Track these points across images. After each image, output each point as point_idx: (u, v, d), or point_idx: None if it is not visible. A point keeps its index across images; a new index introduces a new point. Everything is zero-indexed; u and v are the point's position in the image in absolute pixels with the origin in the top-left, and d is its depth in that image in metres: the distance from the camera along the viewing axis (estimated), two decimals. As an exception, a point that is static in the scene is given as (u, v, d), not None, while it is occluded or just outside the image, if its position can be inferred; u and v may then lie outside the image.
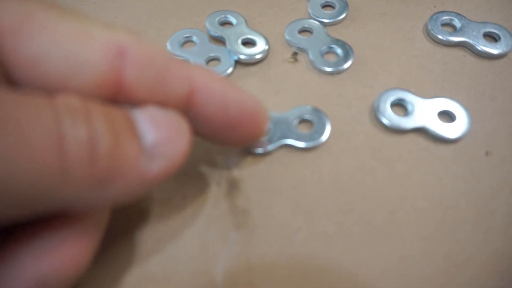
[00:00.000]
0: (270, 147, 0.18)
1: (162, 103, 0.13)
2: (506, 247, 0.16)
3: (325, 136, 0.18)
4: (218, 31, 0.22)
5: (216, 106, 0.14)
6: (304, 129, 0.18)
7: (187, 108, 0.14)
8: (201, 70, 0.14)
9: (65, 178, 0.10)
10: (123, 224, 0.16)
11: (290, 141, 0.18)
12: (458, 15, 0.22)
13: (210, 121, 0.14)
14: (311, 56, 0.20)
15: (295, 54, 0.21)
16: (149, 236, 0.16)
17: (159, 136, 0.12)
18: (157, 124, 0.12)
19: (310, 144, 0.18)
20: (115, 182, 0.11)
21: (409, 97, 0.19)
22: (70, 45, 0.12)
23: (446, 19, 0.21)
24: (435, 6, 0.23)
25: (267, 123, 0.16)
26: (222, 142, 0.16)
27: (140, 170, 0.12)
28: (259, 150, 0.17)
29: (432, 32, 0.21)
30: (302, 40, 0.21)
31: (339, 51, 0.21)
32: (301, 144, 0.18)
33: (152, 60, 0.13)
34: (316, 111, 0.19)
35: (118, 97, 0.12)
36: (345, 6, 0.22)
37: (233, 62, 0.21)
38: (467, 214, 0.16)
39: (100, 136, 0.11)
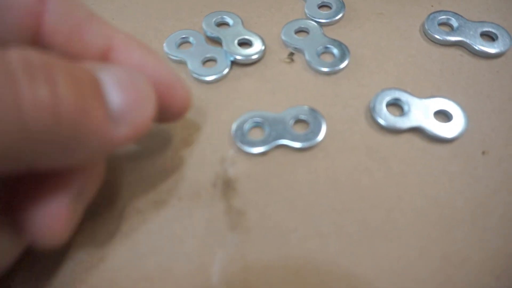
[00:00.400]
0: (266, 148, 0.18)
1: (79, 55, 0.13)
2: (503, 246, 0.15)
3: (320, 136, 0.18)
4: (214, 32, 0.22)
5: (132, 65, 0.14)
6: (300, 129, 0.18)
7: (103, 57, 0.14)
8: (123, 33, 0.14)
9: (26, 140, 0.10)
10: (120, 225, 0.16)
11: (286, 142, 0.18)
12: (455, 14, 0.22)
13: None
14: (307, 56, 0.20)
15: (291, 54, 0.21)
16: (145, 237, 0.16)
17: (126, 101, 0.12)
18: (123, 88, 0.12)
19: (306, 144, 0.18)
20: (79, 146, 0.11)
21: (405, 97, 0.19)
22: None
23: (443, 18, 0.21)
24: (432, 6, 0.23)
25: (186, 105, 0.15)
26: None
27: (105, 135, 0.11)
28: None
29: (429, 31, 0.21)
30: (299, 40, 0.21)
31: (335, 51, 0.21)
32: (297, 145, 0.18)
33: (73, 11, 0.13)
34: (312, 111, 0.19)
35: (36, 43, 0.13)
36: (341, 6, 0.22)
37: (229, 63, 0.21)
38: (464, 214, 0.16)
39: (63, 97, 0.10)
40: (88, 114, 0.11)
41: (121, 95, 0.12)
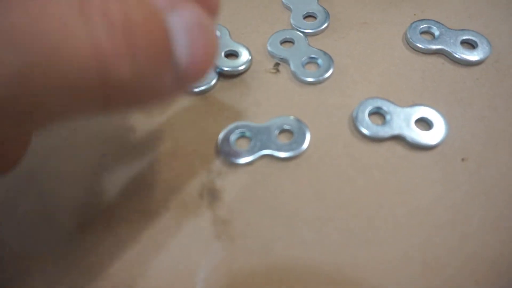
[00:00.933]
0: (251, 158, 0.18)
1: None
2: (481, 251, 0.16)
3: (305, 146, 0.18)
4: (202, 44, 0.22)
5: None
6: (284, 139, 0.19)
7: None
8: None
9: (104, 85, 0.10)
10: (106, 234, 0.17)
11: (271, 152, 0.18)
12: (436, 23, 0.22)
13: None
14: (292, 67, 0.21)
15: (277, 65, 0.22)
16: (132, 246, 0.16)
17: (193, 57, 0.11)
18: (193, 42, 0.11)
19: (290, 154, 0.18)
20: (135, 96, 0.11)
21: (387, 106, 0.19)
22: None
23: (424, 27, 0.22)
24: (415, 14, 0.23)
25: (217, 8, 0.14)
26: None
27: (166, 89, 0.12)
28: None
29: (411, 40, 0.22)
30: (284, 51, 0.22)
31: (320, 61, 0.21)
32: (281, 154, 0.18)
33: None
34: (296, 121, 0.19)
35: None
36: (326, 17, 0.23)
37: (216, 74, 0.21)
38: (443, 220, 0.17)
39: (140, 56, 0.10)
40: (156, 74, 0.11)
41: (189, 52, 0.11)
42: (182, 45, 0.11)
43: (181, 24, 0.11)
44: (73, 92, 0.10)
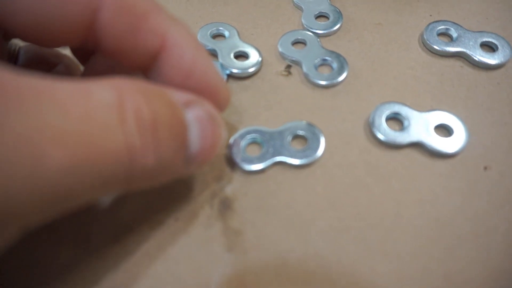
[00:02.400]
0: (263, 165, 0.17)
1: (129, 54, 0.13)
2: (506, 265, 0.15)
3: (319, 153, 0.17)
4: (210, 44, 0.21)
5: (180, 70, 0.14)
6: (298, 145, 0.18)
7: (151, 61, 0.14)
8: (179, 27, 0.14)
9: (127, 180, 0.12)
10: (113, 246, 0.16)
11: (284, 158, 0.17)
12: (454, 24, 0.21)
13: (170, 79, 0.14)
14: (305, 69, 0.20)
15: (288, 67, 0.21)
16: (141, 258, 0.16)
17: (203, 148, 0.13)
18: (204, 135, 0.13)
19: (304, 161, 0.17)
20: (151, 181, 0.13)
21: (404, 111, 0.18)
22: None
23: (442, 28, 0.21)
24: (431, 15, 0.22)
25: (226, 105, 0.15)
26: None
27: (176, 173, 0.13)
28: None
29: (428, 42, 0.21)
30: (296, 52, 0.21)
31: (333, 63, 0.20)
32: (295, 162, 0.17)
33: (130, 7, 0.13)
34: (310, 126, 0.18)
35: (87, 38, 0.13)
36: (339, 17, 0.22)
37: (225, 76, 0.20)
38: (465, 232, 0.16)
39: (163, 149, 0.12)
40: (169, 161, 0.12)
41: (200, 141, 0.13)
42: (195, 136, 0.13)
43: (195, 119, 0.13)
44: (101, 183, 0.11)
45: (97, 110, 0.10)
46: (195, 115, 0.13)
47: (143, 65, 0.14)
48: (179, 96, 0.13)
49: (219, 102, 0.15)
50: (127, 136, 0.11)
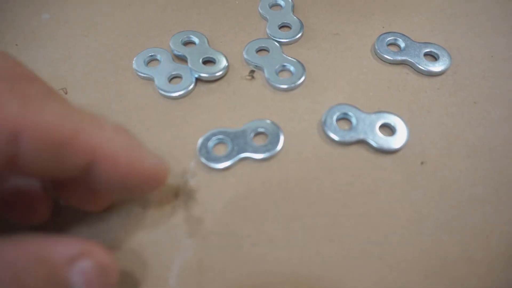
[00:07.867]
0: (230, 163, 0.19)
1: (56, 171, 0.13)
2: (433, 248, 0.17)
3: (279, 147, 0.19)
4: (181, 50, 0.23)
5: (116, 174, 0.14)
6: (259, 141, 0.20)
7: (84, 173, 0.13)
8: (109, 136, 0.14)
9: None
10: (82, 233, 0.17)
11: (248, 154, 0.19)
12: (402, 35, 0.24)
13: (108, 183, 0.14)
14: (266, 74, 0.22)
15: (252, 72, 0.23)
16: (108, 243, 0.17)
17: None
18: None
19: (266, 155, 0.19)
20: None
21: (353, 112, 0.20)
22: None
23: (391, 39, 0.23)
24: (383, 27, 0.25)
25: (166, 178, 0.16)
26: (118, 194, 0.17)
27: None
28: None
29: (379, 51, 0.23)
30: (259, 58, 0.23)
31: (292, 69, 0.22)
32: (258, 156, 0.19)
33: (53, 133, 0.12)
34: (270, 123, 0.20)
35: (12, 170, 0.12)
36: (301, 27, 0.24)
37: (194, 80, 0.22)
38: (401, 219, 0.18)
39: None
40: None
41: None
42: None
43: (80, 274, 0.13)
44: None
45: None
46: (81, 270, 0.13)
47: (76, 177, 0.14)
48: (63, 252, 0.13)
49: (159, 181, 0.15)
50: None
